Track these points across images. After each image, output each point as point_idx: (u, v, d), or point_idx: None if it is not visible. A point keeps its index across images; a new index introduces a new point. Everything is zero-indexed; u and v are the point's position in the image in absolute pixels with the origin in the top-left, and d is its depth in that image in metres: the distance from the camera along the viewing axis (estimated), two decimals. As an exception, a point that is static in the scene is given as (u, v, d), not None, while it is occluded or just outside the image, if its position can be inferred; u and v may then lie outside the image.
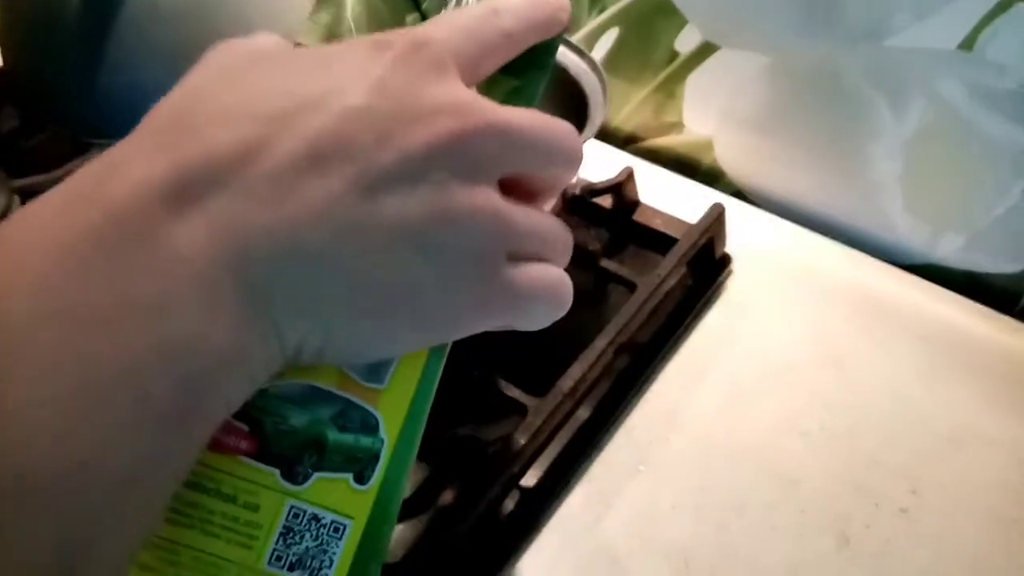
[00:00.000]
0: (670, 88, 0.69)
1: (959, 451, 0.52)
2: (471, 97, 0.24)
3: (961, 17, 0.53)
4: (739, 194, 0.70)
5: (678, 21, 0.65)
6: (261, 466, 0.24)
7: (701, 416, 0.54)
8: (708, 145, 0.70)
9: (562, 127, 0.26)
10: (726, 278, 0.62)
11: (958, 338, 0.58)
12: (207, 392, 0.21)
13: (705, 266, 0.60)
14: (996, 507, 0.49)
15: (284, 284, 0.22)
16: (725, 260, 0.62)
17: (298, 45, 0.29)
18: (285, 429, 0.24)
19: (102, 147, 0.59)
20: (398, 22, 0.31)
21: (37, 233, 0.21)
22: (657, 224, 0.62)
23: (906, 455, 0.52)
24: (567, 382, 0.48)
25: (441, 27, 0.26)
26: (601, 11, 0.69)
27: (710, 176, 0.71)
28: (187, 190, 0.21)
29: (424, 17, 0.32)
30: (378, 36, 0.25)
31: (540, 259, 0.26)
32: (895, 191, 0.63)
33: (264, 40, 0.27)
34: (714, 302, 0.61)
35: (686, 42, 0.66)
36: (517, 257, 0.25)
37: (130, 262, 0.20)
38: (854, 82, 0.60)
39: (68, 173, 0.58)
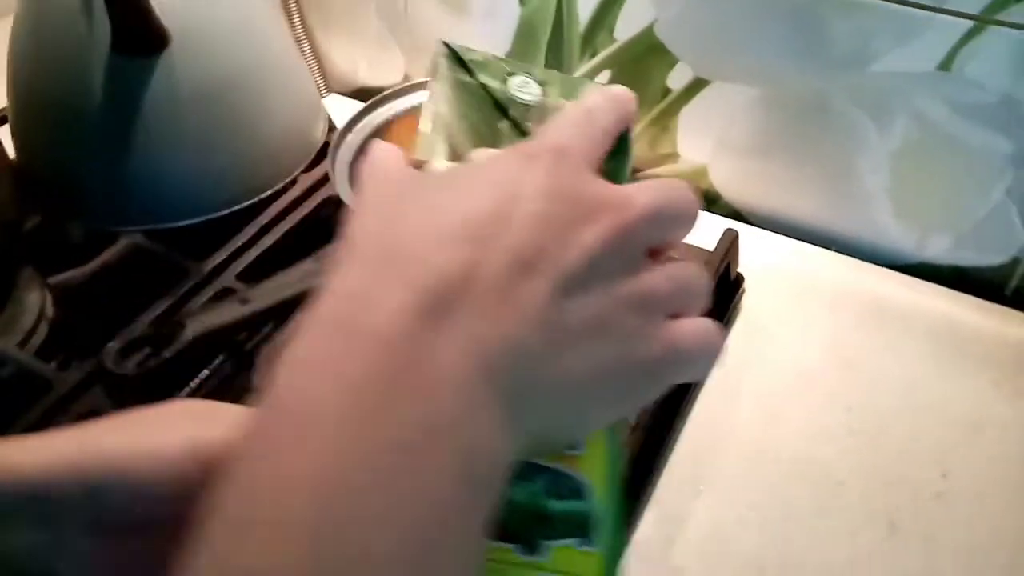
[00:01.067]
0: (664, 122, 0.73)
1: (978, 434, 0.57)
2: (615, 191, 0.27)
3: (939, 40, 0.58)
4: (735, 215, 0.75)
5: (669, 60, 0.69)
6: (502, 544, 0.26)
7: (744, 432, 0.58)
8: (703, 171, 0.74)
9: (680, 189, 0.29)
10: (740, 298, 0.66)
11: (959, 330, 0.63)
12: (491, 491, 0.23)
13: (723, 289, 0.64)
14: (1021, 482, 0.54)
15: (520, 386, 0.24)
16: (739, 281, 0.66)
17: (419, 163, 0.31)
18: (511, 506, 0.26)
19: (130, 235, 0.61)
20: (492, 131, 0.34)
21: (321, 376, 0.22)
22: (674, 254, 0.66)
23: (931, 444, 0.57)
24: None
25: (562, 132, 0.29)
26: (592, 56, 0.73)
27: (707, 199, 0.75)
28: (435, 312, 0.23)
29: (515, 124, 0.34)
30: (520, 147, 0.28)
31: (687, 310, 0.29)
32: (884, 201, 0.68)
33: (397, 160, 0.30)
34: (734, 321, 0.65)
35: (678, 79, 0.70)
36: (672, 317, 0.28)
37: (410, 387, 0.22)
38: (840, 105, 0.65)
39: (103, 266, 0.59)
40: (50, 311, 0.62)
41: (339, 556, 0.20)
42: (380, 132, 0.62)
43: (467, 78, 0.34)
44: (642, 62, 0.71)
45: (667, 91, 0.71)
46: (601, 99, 0.32)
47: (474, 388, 0.23)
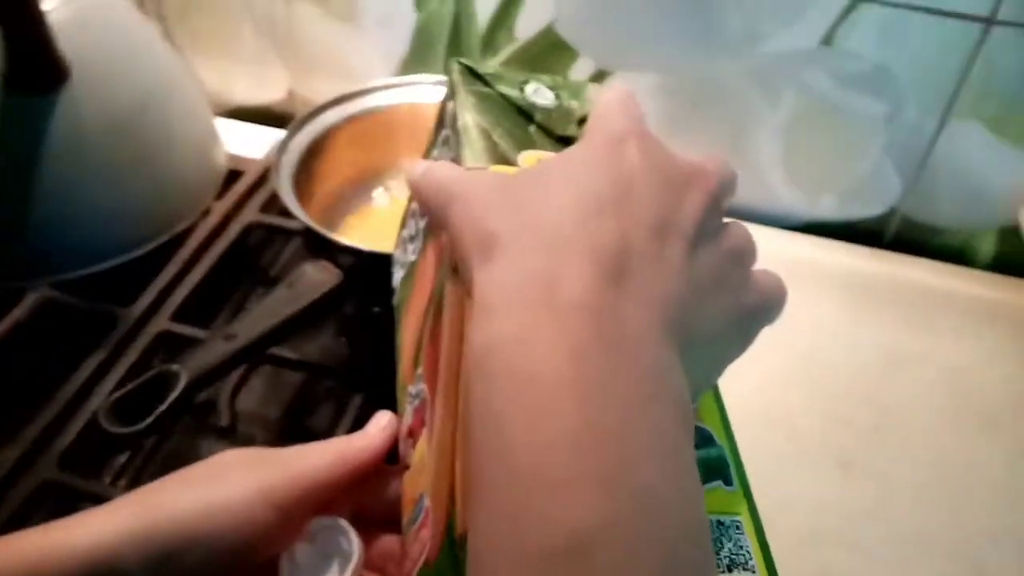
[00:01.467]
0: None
1: (900, 370, 0.64)
2: (693, 161, 0.29)
3: (821, 18, 0.64)
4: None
5: (570, 55, 0.72)
6: None
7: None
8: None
9: (722, 159, 0.31)
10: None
11: (855, 278, 0.70)
12: (691, 430, 0.25)
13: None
14: (946, 408, 0.61)
15: (683, 338, 0.25)
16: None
17: (476, 169, 0.32)
18: None
19: (37, 289, 0.55)
20: (525, 134, 0.34)
21: (545, 350, 0.23)
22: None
23: (861, 382, 0.63)
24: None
25: (623, 119, 0.30)
26: (493, 55, 0.74)
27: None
28: (617, 278, 0.24)
29: (541, 127, 0.35)
30: (597, 137, 0.29)
31: (754, 261, 0.31)
32: (778, 169, 0.74)
33: (453, 168, 0.31)
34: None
35: (580, 72, 0.73)
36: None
37: (623, 347, 0.23)
38: (734, 86, 0.70)
39: (14, 327, 0.54)
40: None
41: (632, 501, 0.21)
42: (318, 145, 0.60)
43: (487, 89, 0.35)
44: (544, 58, 0.73)
45: (569, 85, 0.74)
46: (623, 92, 0.33)
47: (665, 341, 0.25)
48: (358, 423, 0.52)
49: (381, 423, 0.37)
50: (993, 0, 0.59)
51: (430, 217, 0.32)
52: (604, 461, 0.21)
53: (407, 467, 0.35)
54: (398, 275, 0.42)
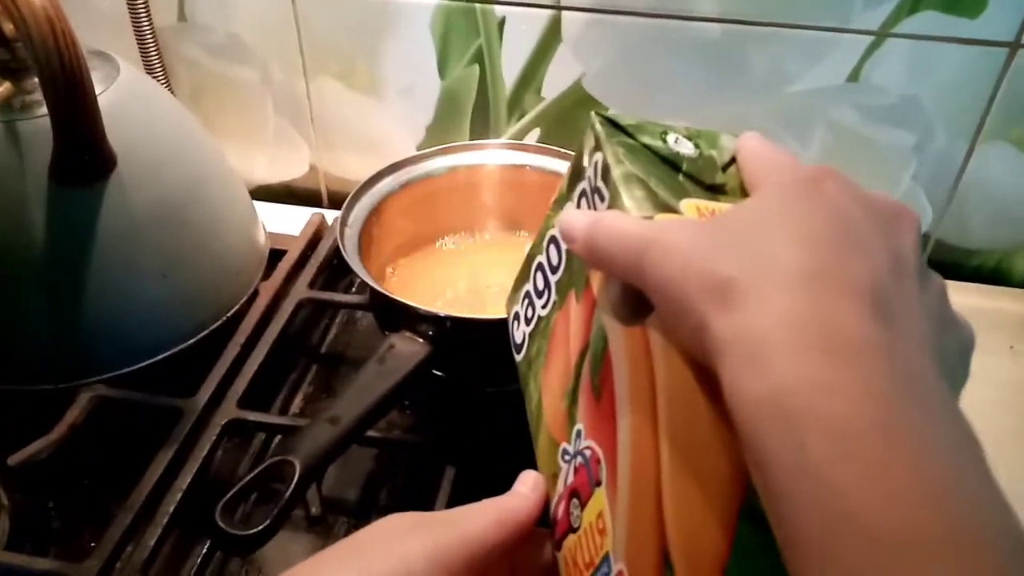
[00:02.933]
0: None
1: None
2: (882, 194, 0.29)
3: (846, 56, 0.66)
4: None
5: (599, 109, 0.72)
6: None
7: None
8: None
9: None
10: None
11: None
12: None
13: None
14: (997, 426, 0.61)
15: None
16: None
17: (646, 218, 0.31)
18: None
19: (90, 388, 0.53)
20: (676, 184, 0.34)
21: (845, 396, 0.23)
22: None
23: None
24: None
25: (792, 161, 0.31)
26: (520, 117, 0.74)
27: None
28: (883, 316, 0.24)
29: (689, 177, 0.34)
30: (791, 177, 0.29)
31: None
32: (808, 204, 0.75)
33: (635, 220, 0.30)
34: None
35: (608, 126, 0.73)
36: None
37: (915, 384, 0.23)
38: (762, 126, 0.71)
39: (71, 430, 0.51)
40: (5, 500, 0.52)
41: (988, 551, 0.21)
42: (374, 216, 0.60)
43: (631, 141, 0.34)
44: (572, 115, 0.73)
45: (599, 139, 0.74)
46: (761, 138, 0.34)
47: (942, 381, 0.24)
48: (457, 496, 0.50)
49: (529, 483, 0.36)
50: (1018, 25, 0.62)
51: (610, 269, 0.31)
52: (954, 516, 0.21)
53: (569, 529, 0.34)
54: (521, 330, 0.41)
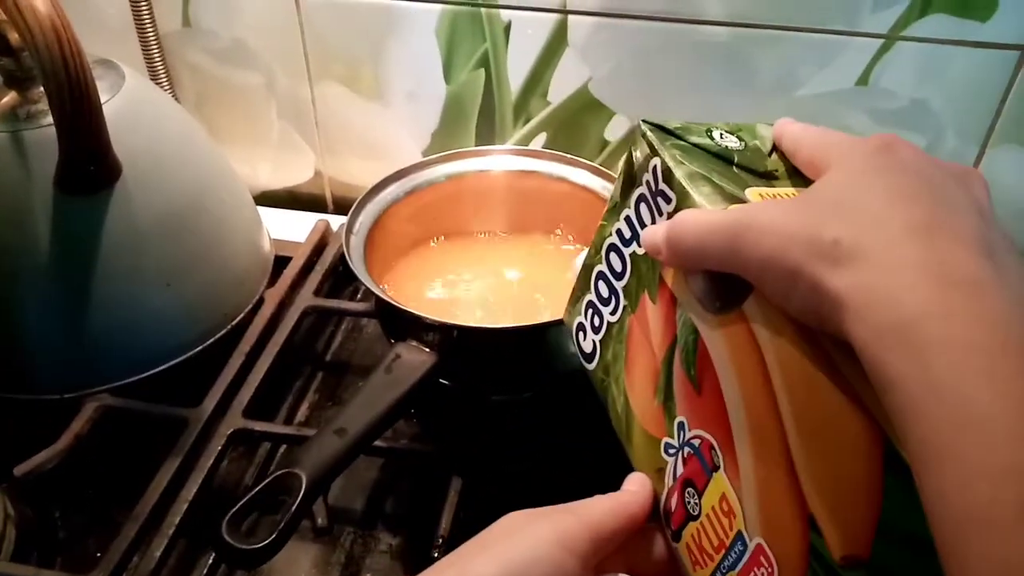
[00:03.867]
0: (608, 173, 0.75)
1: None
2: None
3: (856, 60, 0.65)
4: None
5: (606, 114, 0.72)
6: None
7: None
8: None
9: None
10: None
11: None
12: None
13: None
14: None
15: None
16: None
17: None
18: None
19: (95, 397, 0.53)
20: (735, 177, 0.35)
21: (970, 317, 0.25)
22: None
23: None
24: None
25: (845, 138, 0.33)
26: (527, 121, 0.74)
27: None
28: (991, 259, 0.26)
29: (743, 168, 0.35)
30: (863, 148, 0.30)
31: None
32: (817, 208, 0.74)
33: (710, 213, 0.32)
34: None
35: (615, 130, 0.73)
36: None
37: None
38: (771, 130, 0.70)
39: (76, 440, 0.51)
40: (11, 510, 0.52)
41: None
42: (380, 223, 0.59)
43: (682, 142, 0.35)
44: (579, 119, 0.73)
45: (605, 143, 0.74)
46: (794, 121, 0.36)
47: None
48: (462, 506, 0.50)
49: (636, 482, 0.38)
50: (1029, 28, 0.61)
51: (702, 263, 0.32)
52: None
53: (688, 518, 0.35)
54: (590, 339, 0.42)
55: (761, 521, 0.31)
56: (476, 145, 0.76)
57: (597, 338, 0.41)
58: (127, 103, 0.56)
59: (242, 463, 0.57)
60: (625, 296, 0.39)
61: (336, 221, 0.73)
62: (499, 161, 0.65)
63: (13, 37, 0.52)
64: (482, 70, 0.72)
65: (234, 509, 0.39)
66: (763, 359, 0.30)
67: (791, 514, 0.29)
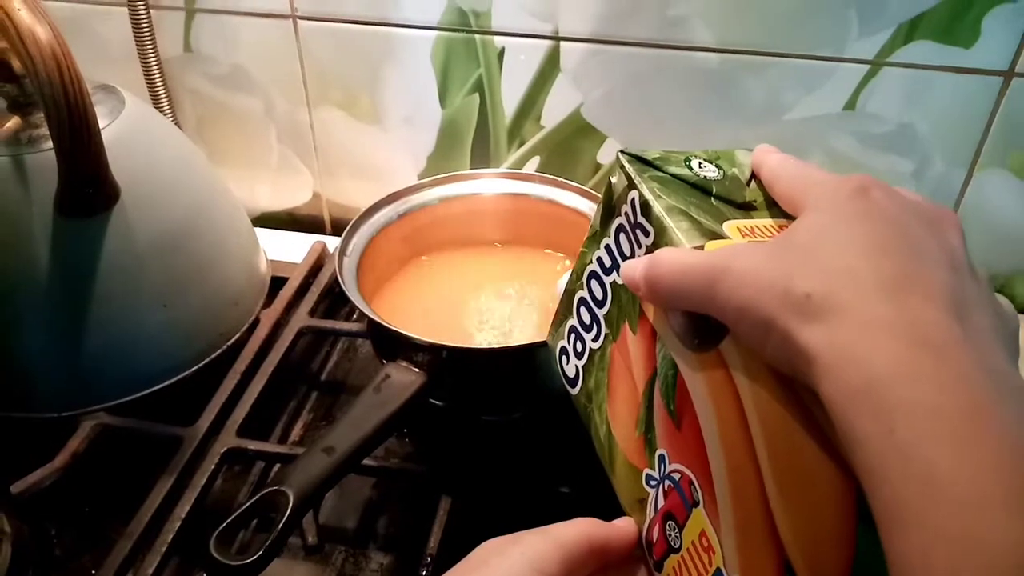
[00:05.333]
0: (597, 196, 0.76)
1: None
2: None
3: (843, 85, 0.66)
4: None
5: (598, 138, 0.73)
6: None
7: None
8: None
9: None
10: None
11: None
12: None
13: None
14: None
15: None
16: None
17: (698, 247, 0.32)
18: None
19: (92, 416, 0.54)
20: (713, 209, 0.34)
21: (940, 387, 0.25)
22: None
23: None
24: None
25: (820, 173, 0.33)
26: (521, 144, 0.75)
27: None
28: (960, 316, 0.26)
29: (721, 199, 0.35)
30: (839, 189, 0.30)
31: None
32: (808, 231, 0.75)
33: (691, 252, 0.32)
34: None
35: (607, 154, 0.74)
36: None
37: (995, 376, 0.25)
38: (760, 153, 0.71)
39: (72, 458, 0.52)
40: (8, 527, 0.53)
41: None
42: (373, 245, 0.60)
43: (660, 174, 0.35)
44: (571, 143, 0.74)
45: (598, 166, 0.75)
46: (774, 151, 0.36)
47: (1009, 363, 0.27)
48: (451, 526, 0.51)
49: (622, 522, 0.38)
50: (1012, 54, 0.62)
51: (678, 304, 0.32)
52: None
53: (669, 550, 0.35)
54: (573, 364, 0.42)
55: (740, 563, 0.31)
56: (471, 168, 0.77)
57: (580, 364, 0.41)
58: (126, 128, 0.57)
59: (236, 482, 0.57)
60: (607, 324, 0.39)
61: (333, 243, 0.74)
62: (491, 184, 0.66)
63: (16, 64, 0.53)
64: (476, 95, 0.73)
65: (222, 526, 0.40)
66: (739, 403, 0.30)
67: (768, 557, 0.30)
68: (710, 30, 0.66)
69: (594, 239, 0.39)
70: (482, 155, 0.77)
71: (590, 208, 0.63)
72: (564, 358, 0.43)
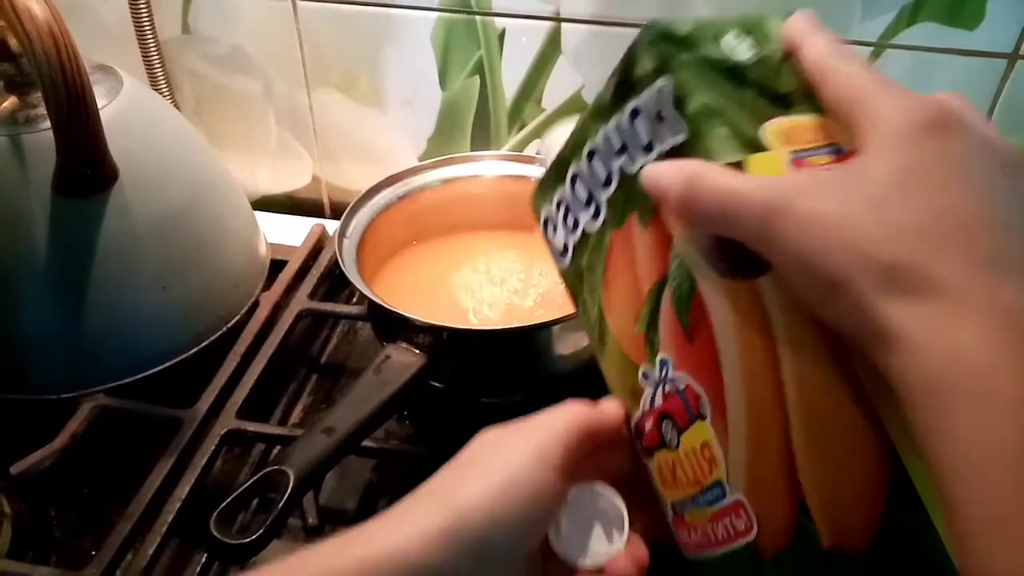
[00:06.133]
0: (598, 179, 0.76)
1: None
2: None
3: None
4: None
5: (599, 120, 0.73)
6: None
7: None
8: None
9: None
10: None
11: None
12: None
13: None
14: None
15: None
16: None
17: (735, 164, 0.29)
18: None
19: (91, 397, 0.54)
20: (744, 101, 0.30)
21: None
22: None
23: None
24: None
25: (900, 90, 0.28)
26: (521, 127, 0.75)
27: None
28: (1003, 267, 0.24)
29: (757, 89, 0.30)
30: (917, 124, 0.26)
31: None
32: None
33: (719, 168, 0.29)
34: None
35: (608, 136, 0.74)
36: None
37: None
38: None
39: (72, 439, 0.52)
40: (8, 508, 0.53)
41: None
42: (373, 227, 0.60)
43: (690, 57, 0.31)
44: (572, 126, 0.74)
45: (599, 149, 0.74)
46: (813, 25, 0.31)
47: None
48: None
49: (613, 402, 0.37)
50: (1016, 36, 0.62)
51: (718, 232, 0.29)
52: None
53: (662, 445, 0.35)
54: (561, 238, 0.39)
55: (747, 486, 0.31)
56: (472, 151, 0.77)
57: (571, 240, 0.39)
58: (124, 108, 0.57)
59: (236, 464, 0.57)
60: (609, 207, 0.35)
61: (333, 226, 0.74)
62: (490, 166, 0.66)
63: (13, 43, 0.53)
64: (477, 77, 0.73)
65: (222, 505, 0.40)
66: (772, 343, 0.29)
67: (782, 493, 0.30)
68: (712, 11, 0.66)
69: (601, 112, 0.35)
70: (483, 138, 0.76)
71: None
72: (549, 228, 0.40)
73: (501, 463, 0.33)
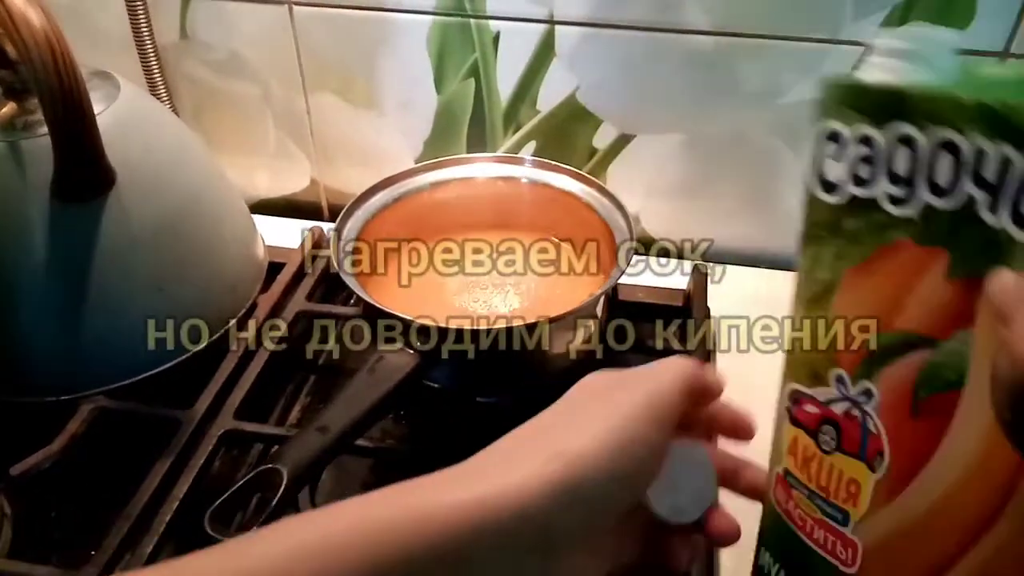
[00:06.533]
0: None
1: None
2: None
3: (838, 67, 0.66)
4: (665, 252, 0.79)
5: (593, 122, 0.73)
6: None
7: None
8: (635, 219, 0.78)
9: None
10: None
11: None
12: None
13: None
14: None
15: None
16: (707, 313, 0.69)
17: None
18: None
19: (91, 399, 0.54)
20: None
21: None
22: (641, 296, 0.69)
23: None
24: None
25: None
26: (517, 129, 0.75)
27: (643, 244, 0.80)
28: None
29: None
30: None
31: None
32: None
33: None
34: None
35: (603, 138, 0.74)
36: None
37: None
38: (757, 137, 0.71)
39: (71, 440, 0.52)
40: (7, 509, 0.54)
41: None
42: (368, 229, 0.61)
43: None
44: (567, 128, 0.74)
45: (594, 151, 0.75)
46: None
47: None
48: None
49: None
50: (1007, 34, 0.62)
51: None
52: None
53: (809, 432, 0.34)
54: (838, 170, 0.30)
55: (877, 543, 0.31)
56: (467, 153, 0.78)
57: (851, 190, 0.30)
58: (122, 113, 0.57)
59: (233, 464, 0.58)
60: (923, 217, 0.29)
61: (330, 228, 0.75)
62: (484, 168, 0.66)
63: (11, 50, 0.53)
64: (472, 80, 0.73)
65: (217, 503, 0.40)
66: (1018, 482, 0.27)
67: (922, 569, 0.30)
68: (705, 13, 0.66)
69: (991, 121, 0.26)
70: (478, 140, 0.77)
71: (583, 191, 0.64)
72: (832, 146, 0.30)
73: (615, 413, 0.32)
